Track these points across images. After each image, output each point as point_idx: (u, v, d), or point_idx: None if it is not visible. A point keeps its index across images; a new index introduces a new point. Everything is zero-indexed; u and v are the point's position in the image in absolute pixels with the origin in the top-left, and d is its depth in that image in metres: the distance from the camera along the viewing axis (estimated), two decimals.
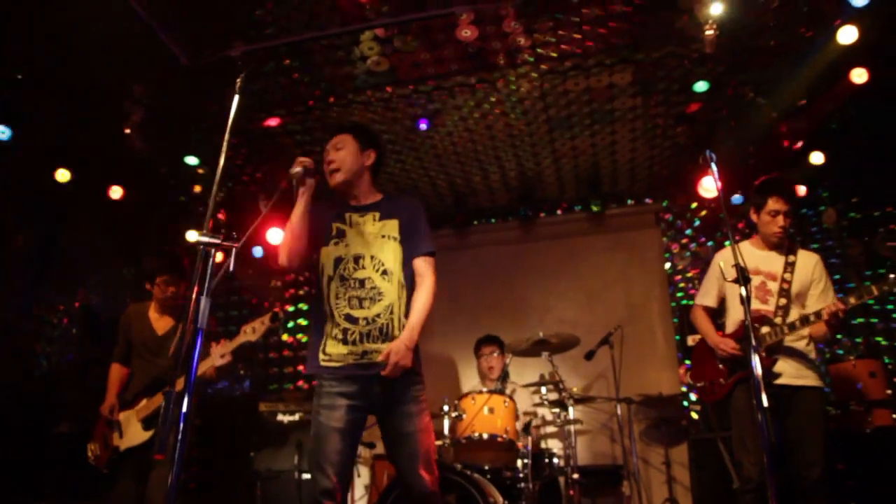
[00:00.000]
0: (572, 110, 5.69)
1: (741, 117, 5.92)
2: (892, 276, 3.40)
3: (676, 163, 6.64)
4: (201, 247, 1.95)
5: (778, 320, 3.70)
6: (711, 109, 5.79)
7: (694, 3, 4.40)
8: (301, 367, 7.33)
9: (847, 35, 4.63)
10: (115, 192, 6.27)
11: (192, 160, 6.14)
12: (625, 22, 4.69)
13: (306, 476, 5.60)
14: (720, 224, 6.82)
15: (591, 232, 7.03)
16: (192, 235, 6.98)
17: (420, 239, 3.21)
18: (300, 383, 7.27)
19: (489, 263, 7.00)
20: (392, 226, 3.22)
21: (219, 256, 2.10)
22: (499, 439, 4.57)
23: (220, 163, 2.16)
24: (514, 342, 5.45)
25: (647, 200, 7.13)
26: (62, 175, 5.85)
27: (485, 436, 4.57)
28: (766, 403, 2.54)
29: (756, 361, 2.68)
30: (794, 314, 3.73)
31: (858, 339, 6.00)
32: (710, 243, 6.86)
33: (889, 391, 5.26)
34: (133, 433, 4.22)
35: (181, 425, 1.76)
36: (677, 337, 6.58)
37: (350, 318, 3.07)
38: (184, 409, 1.78)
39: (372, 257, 3.15)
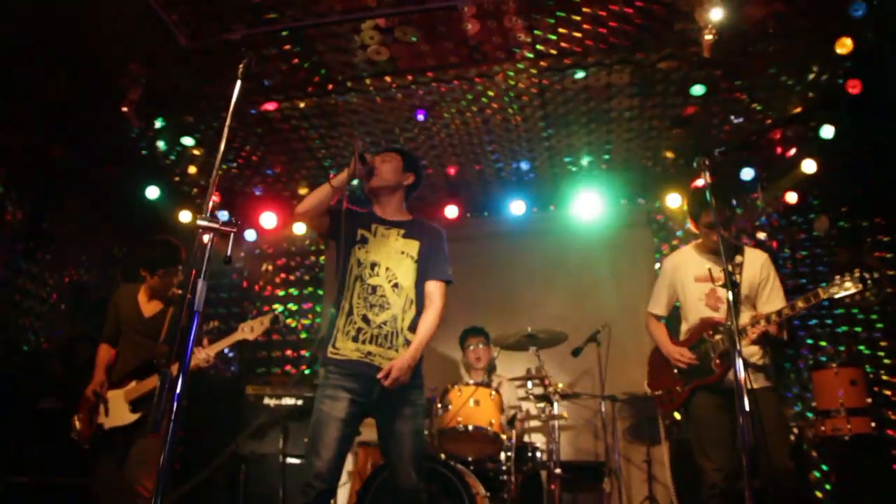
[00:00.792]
0: (570, 108, 5.72)
1: (735, 123, 5.97)
2: (819, 288, 3.42)
3: (671, 164, 6.68)
4: (200, 230, 1.97)
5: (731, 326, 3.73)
6: (707, 113, 5.83)
7: (695, 7, 4.42)
8: (289, 352, 7.35)
9: (843, 45, 4.69)
10: (109, 170, 6.26)
11: (188, 141, 6.14)
12: (625, 23, 4.71)
13: (291, 460, 5.63)
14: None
15: (582, 229, 7.06)
16: (185, 216, 6.99)
17: (437, 265, 3.41)
18: (288, 368, 7.29)
19: (480, 256, 7.02)
20: (413, 246, 3.41)
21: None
22: (483, 431, 4.62)
23: (221, 147, 2.18)
24: (501, 336, 5.49)
25: (640, 200, 7.16)
26: (56, 150, 5.85)
27: (470, 427, 4.61)
28: (748, 408, 2.58)
29: (740, 365, 2.71)
30: (744, 318, 3.71)
31: (842, 347, 6.06)
32: None
33: (869, 399, 5.33)
34: (119, 413, 4.23)
35: (174, 406, 1.78)
36: None
37: (366, 320, 3.26)
38: (177, 390, 1.80)
39: (387, 269, 3.34)
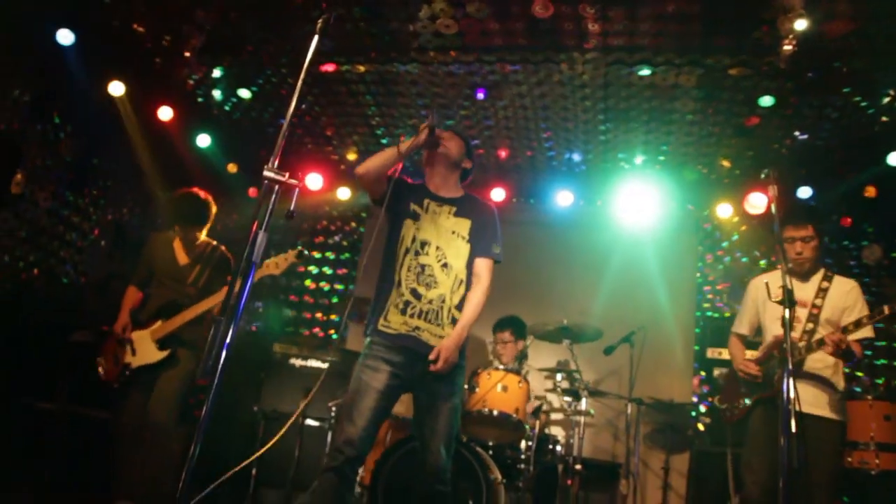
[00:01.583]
0: (631, 104, 5.60)
1: (798, 139, 5.82)
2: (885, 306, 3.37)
3: (725, 173, 6.54)
4: (266, 181, 1.95)
5: (801, 344, 3.65)
6: (771, 126, 5.69)
7: (778, 15, 4.28)
8: (319, 314, 7.38)
9: None
10: (165, 113, 6.29)
11: (244, 93, 6.13)
12: (701, 24, 4.59)
13: (310, 422, 5.66)
14: (758, 242, 6.74)
15: (627, 228, 6.96)
16: (233, 167, 7.02)
17: (487, 243, 3.37)
18: (316, 330, 7.32)
19: (522, 242, 6.93)
20: (464, 225, 3.38)
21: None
22: (508, 418, 4.59)
23: (293, 101, 2.15)
24: (536, 325, 5.44)
25: (690, 206, 7.03)
26: (116, 88, 5.89)
27: (495, 412, 4.59)
28: (794, 429, 2.51)
29: (788, 385, 2.64)
30: (816, 338, 3.66)
31: (879, 381, 5.93)
32: (744, 259, 6.78)
33: None
34: (146, 352, 4.31)
35: (223, 353, 1.77)
36: (696, 347, 6.54)
37: (415, 293, 3.25)
38: (227, 339, 1.78)
39: (437, 248, 3.31)
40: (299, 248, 3.83)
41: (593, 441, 6.42)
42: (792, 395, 2.57)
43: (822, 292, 3.78)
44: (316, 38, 2.34)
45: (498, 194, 7.04)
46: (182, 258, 4.55)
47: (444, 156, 3.42)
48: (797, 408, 3.54)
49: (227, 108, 6.52)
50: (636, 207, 6.70)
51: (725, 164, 6.39)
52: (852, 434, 5.11)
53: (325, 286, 7.51)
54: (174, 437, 4.20)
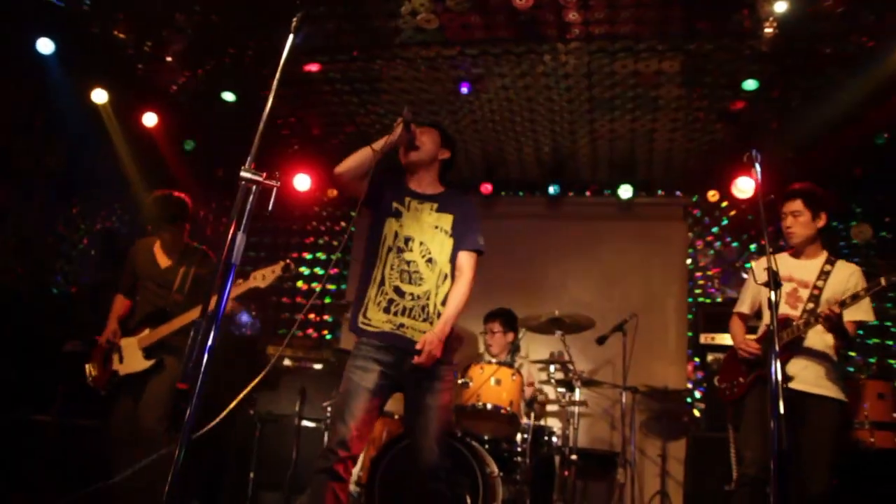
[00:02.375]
0: (616, 92, 5.59)
1: (784, 121, 5.82)
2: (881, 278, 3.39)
3: (712, 159, 6.54)
4: (243, 182, 1.94)
5: (801, 322, 3.65)
6: (755, 110, 5.69)
7: None
8: (312, 316, 7.37)
9: None
10: (149, 119, 6.27)
11: (228, 96, 6.11)
12: (682, 9, 4.59)
13: (306, 423, 5.66)
14: (748, 226, 6.75)
15: (617, 217, 6.97)
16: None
17: (469, 236, 3.35)
18: (309, 331, 7.32)
19: (512, 236, 6.95)
20: (446, 220, 3.37)
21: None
22: (502, 411, 4.59)
23: (269, 101, 2.14)
24: (528, 317, 5.44)
25: (678, 193, 7.05)
26: (98, 95, 5.86)
27: (489, 406, 4.59)
28: (782, 410, 2.51)
29: (776, 367, 2.65)
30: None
31: (872, 360, 5.95)
32: (735, 244, 6.79)
33: (895, 414, 5.23)
34: (134, 360, 4.31)
35: (205, 358, 1.76)
36: (690, 333, 6.57)
37: (398, 291, 3.23)
38: (209, 342, 1.78)
39: (421, 243, 3.30)
40: (286, 261, 3.82)
41: (590, 431, 6.43)
42: (779, 377, 2.57)
43: (824, 275, 3.78)
44: (291, 37, 2.31)
45: (486, 187, 7.03)
46: (163, 261, 4.54)
47: (419, 153, 3.40)
48: (801, 388, 3.62)
49: (211, 111, 6.48)
50: (624, 195, 6.70)
51: (711, 149, 6.40)
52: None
53: (316, 287, 7.50)
54: (165, 442, 4.19)
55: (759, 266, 3.91)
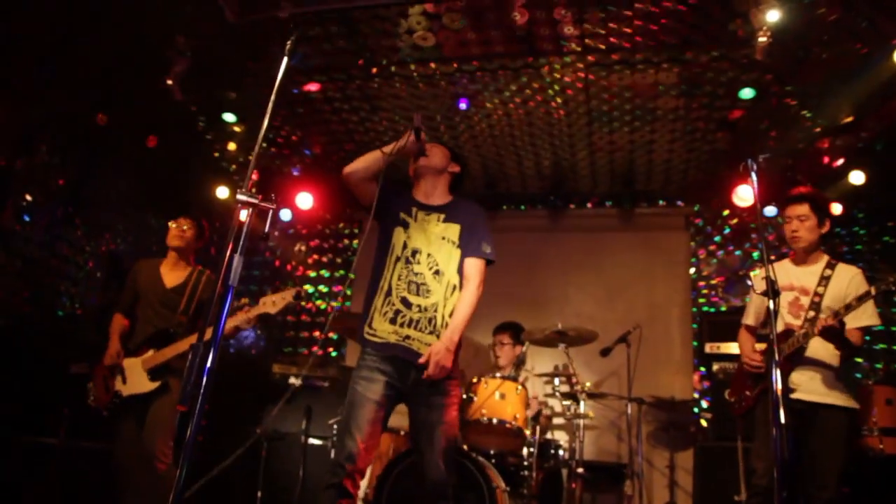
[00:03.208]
0: (614, 104, 5.63)
1: (782, 129, 5.83)
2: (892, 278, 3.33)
3: (713, 168, 6.56)
4: (239, 205, 1.96)
5: (803, 332, 3.63)
6: (753, 118, 5.70)
7: (750, 8, 4.31)
8: (317, 333, 7.38)
9: None
10: (151, 141, 6.31)
11: (229, 117, 6.15)
12: (676, 20, 4.62)
13: (313, 441, 5.66)
14: (750, 234, 6.75)
15: (619, 228, 6.98)
16: (222, 192, 7.03)
17: (476, 243, 3.33)
18: (315, 349, 7.33)
19: (514, 249, 6.95)
20: (454, 230, 3.35)
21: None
22: (507, 425, 4.58)
23: (265, 123, 2.16)
24: (531, 330, 5.44)
25: (679, 203, 7.06)
26: (100, 119, 5.90)
27: (494, 421, 4.58)
28: (783, 419, 2.51)
29: (777, 376, 2.65)
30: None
31: (878, 365, 5.93)
32: (737, 252, 6.80)
33: None
34: (137, 382, 4.27)
35: (204, 379, 1.78)
36: (695, 343, 6.55)
37: (405, 302, 3.21)
38: (208, 363, 1.79)
39: (429, 255, 3.29)
40: (298, 288, 3.82)
41: (596, 443, 6.41)
42: (779, 386, 2.57)
43: (824, 280, 3.76)
44: (285, 59, 2.34)
45: (488, 202, 7.05)
46: (169, 281, 4.52)
47: (427, 164, 3.42)
48: (810, 398, 3.60)
49: (213, 133, 6.53)
50: (626, 207, 6.71)
51: (711, 158, 6.41)
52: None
53: (321, 304, 7.52)
54: (173, 464, 4.19)
55: (758, 276, 3.90)
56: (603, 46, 4.91)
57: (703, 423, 6.14)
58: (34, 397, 5.25)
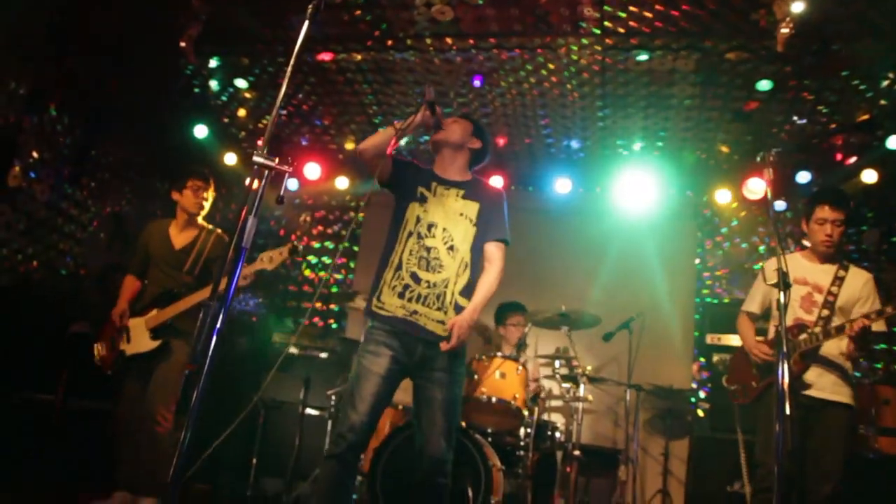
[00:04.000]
0: (629, 90, 5.57)
1: (797, 123, 5.79)
2: None
3: (724, 159, 6.52)
4: (255, 167, 1.94)
5: (817, 329, 3.62)
6: (769, 110, 5.66)
7: None
8: (319, 304, 7.39)
9: None
10: (162, 104, 6.27)
11: (241, 83, 6.11)
12: (698, 7, 4.57)
13: (310, 411, 5.68)
14: (757, 227, 6.73)
15: (626, 215, 6.95)
16: (230, 158, 7.00)
17: (497, 226, 3.33)
18: (315, 320, 7.33)
19: (520, 230, 6.83)
20: (472, 208, 3.33)
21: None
22: (506, 405, 4.59)
23: (283, 86, 2.13)
24: (534, 312, 5.43)
25: (689, 193, 7.02)
26: (112, 80, 5.86)
27: (493, 399, 4.59)
28: (788, 411, 2.51)
29: (784, 369, 2.64)
30: (834, 325, 3.64)
31: (878, 365, 5.93)
32: (744, 245, 6.78)
33: None
34: (140, 341, 4.31)
35: (213, 340, 1.77)
36: (696, 333, 6.55)
37: (415, 277, 3.19)
38: (218, 324, 1.78)
39: (444, 229, 3.26)
40: (292, 243, 3.80)
41: (593, 427, 6.42)
42: (787, 377, 2.57)
43: (838, 280, 3.74)
44: (306, 23, 2.30)
45: (496, 181, 7.01)
46: (178, 242, 4.53)
47: (443, 138, 3.40)
48: (818, 395, 3.59)
49: (223, 98, 6.49)
50: (635, 194, 6.68)
51: (724, 149, 6.38)
52: None
53: (324, 276, 7.52)
54: (173, 426, 4.21)
55: (769, 266, 3.85)
56: (622, 30, 4.85)
57: (700, 413, 6.15)
58: (34, 355, 5.26)
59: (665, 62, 5.17)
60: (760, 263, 4.21)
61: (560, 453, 5.19)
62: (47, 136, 5.78)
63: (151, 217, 6.74)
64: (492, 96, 5.93)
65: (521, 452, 4.81)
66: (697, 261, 6.85)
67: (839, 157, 6.14)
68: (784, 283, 2.81)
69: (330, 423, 5.36)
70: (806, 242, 3.99)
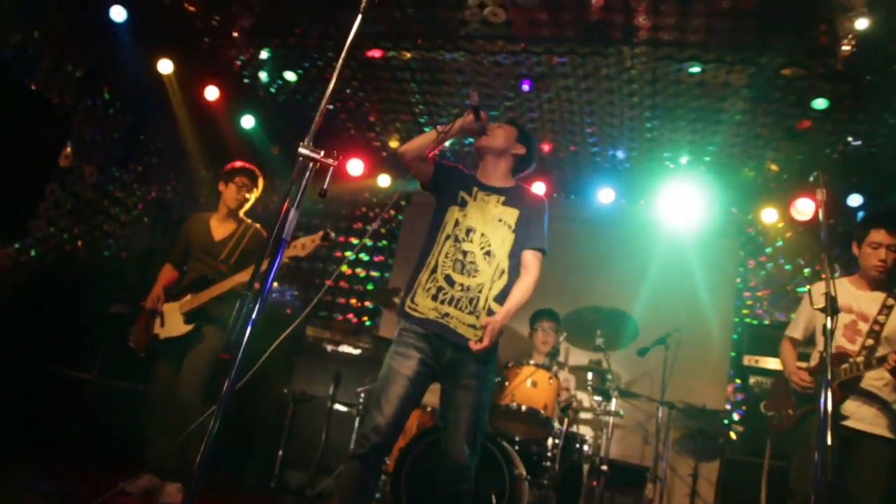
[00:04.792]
0: (679, 102, 5.49)
1: (850, 145, 5.64)
2: None
3: (772, 177, 6.39)
4: (301, 159, 1.92)
5: (859, 359, 3.49)
6: (822, 130, 5.52)
7: (837, 14, 4.14)
8: (354, 301, 7.41)
9: None
10: (211, 93, 6.35)
11: (290, 75, 6.16)
12: (756, 21, 4.47)
13: (338, 406, 5.69)
14: (803, 249, 6.57)
15: (668, 229, 6.84)
16: (274, 150, 7.06)
17: (535, 234, 3.29)
18: (349, 316, 7.35)
19: (560, 238, 6.79)
20: (512, 214, 3.30)
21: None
22: (536, 414, 4.54)
23: (332, 81, 2.13)
24: (569, 321, 5.37)
25: (734, 210, 6.88)
26: (164, 66, 5.95)
27: (523, 408, 4.54)
28: (829, 441, 2.43)
29: (827, 397, 2.56)
30: (878, 355, 3.48)
31: None
32: (787, 266, 6.62)
33: None
34: (174, 325, 4.39)
35: (248, 330, 1.76)
36: (733, 353, 6.41)
37: (449, 280, 3.17)
38: (253, 315, 1.77)
39: (482, 235, 3.24)
40: (325, 230, 3.80)
41: (621, 443, 6.32)
42: (830, 406, 2.48)
43: (886, 309, 3.59)
44: (359, 17, 2.29)
45: (539, 188, 6.94)
46: (218, 234, 4.62)
47: (486, 144, 3.37)
48: (858, 427, 3.47)
49: (272, 90, 6.55)
50: (679, 208, 6.57)
51: (773, 167, 6.24)
52: None
53: (360, 272, 7.53)
54: (201, 412, 4.25)
55: (817, 290, 3.72)
56: (675, 40, 4.77)
57: (733, 435, 6.02)
58: (74, 333, 5.37)
59: (718, 75, 5.08)
60: (805, 287, 4.05)
61: (587, 466, 5.11)
62: (99, 119, 5.88)
63: (195, 204, 6.85)
64: (539, 101, 5.88)
65: (548, 463, 4.75)
66: (739, 280, 6.72)
67: (893, 181, 5.95)
68: (832, 309, 2.71)
69: (357, 419, 5.36)
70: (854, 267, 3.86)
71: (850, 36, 4.15)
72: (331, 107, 6.65)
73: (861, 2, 4.01)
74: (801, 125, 5.52)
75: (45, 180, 5.36)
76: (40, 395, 5.04)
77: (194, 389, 4.20)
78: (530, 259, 3.26)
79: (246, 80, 6.43)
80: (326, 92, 2.09)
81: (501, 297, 3.18)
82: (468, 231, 3.23)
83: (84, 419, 5.19)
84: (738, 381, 6.28)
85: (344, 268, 7.58)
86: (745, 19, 4.44)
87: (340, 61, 2.14)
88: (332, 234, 3.77)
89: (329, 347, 6.12)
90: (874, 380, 3.52)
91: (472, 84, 5.75)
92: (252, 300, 1.78)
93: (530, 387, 4.62)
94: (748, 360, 5.92)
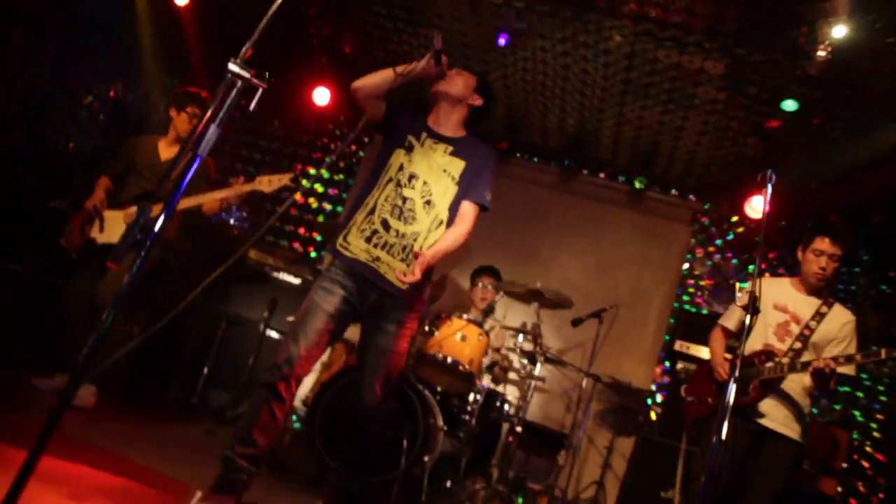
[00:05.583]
0: (653, 81, 5.44)
1: (816, 152, 5.66)
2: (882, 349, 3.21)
3: (734, 171, 6.41)
4: (229, 75, 1.84)
5: (785, 360, 3.56)
6: (790, 133, 5.52)
7: (818, 18, 4.10)
8: (301, 230, 7.32)
9: None
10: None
11: None
12: (739, 10, 4.42)
13: (270, 333, 5.66)
14: (752, 246, 6.65)
15: (625, 206, 6.86)
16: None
17: (477, 188, 3.23)
18: (296, 244, 7.28)
19: (516, 199, 6.86)
20: (457, 166, 3.23)
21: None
22: (460, 367, 4.56)
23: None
24: (511, 282, 5.38)
25: (691, 197, 6.92)
26: None
27: (448, 359, 4.56)
28: (724, 436, 2.47)
29: (732, 390, 2.60)
30: (803, 359, 3.56)
31: (837, 406, 5.90)
32: (734, 261, 6.70)
33: (845, 465, 5.22)
34: (114, 232, 4.35)
35: (148, 242, 1.71)
36: (667, 337, 6.52)
37: (385, 224, 3.12)
38: (156, 228, 1.72)
39: (425, 183, 3.18)
40: (295, 173, 3.76)
41: (544, 408, 6.43)
42: (732, 401, 2.52)
43: (818, 315, 3.65)
44: None
45: (503, 146, 6.90)
46: (165, 155, 4.59)
47: (443, 90, 3.28)
48: (770, 426, 3.54)
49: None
50: (637, 187, 6.58)
51: (736, 161, 6.26)
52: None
53: (312, 203, 7.43)
54: (121, 320, 4.21)
55: (746, 289, 3.77)
56: (659, 17, 4.70)
57: (653, 415, 6.15)
58: (8, 223, 5.23)
59: (695, 60, 5.03)
60: (747, 282, 4.09)
61: (506, 425, 5.18)
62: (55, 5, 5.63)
63: (153, 110, 6.65)
64: (514, 59, 5.78)
65: (466, 417, 4.79)
66: (685, 266, 6.78)
67: (852, 196, 6.01)
68: (753, 308, 2.74)
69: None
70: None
71: (827, 42, 4.12)
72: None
73: (844, 10, 3.98)
74: (769, 124, 5.52)
75: None
76: None
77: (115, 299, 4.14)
78: (467, 210, 3.21)
79: None
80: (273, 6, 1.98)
81: None
82: (411, 177, 3.18)
83: (6, 310, 5.07)
84: (666, 363, 6.38)
85: (297, 195, 7.46)
86: (728, 6, 4.40)
87: None
88: (301, 179, 3.72)
89: (270, 273, 6.05)
90: (794, 383, 3.60)
91: (449, 31, 5.61)
92: (149, 210, 1.72)
93: (459, 340, 4.64)
94: (679, 346, 6.01)
